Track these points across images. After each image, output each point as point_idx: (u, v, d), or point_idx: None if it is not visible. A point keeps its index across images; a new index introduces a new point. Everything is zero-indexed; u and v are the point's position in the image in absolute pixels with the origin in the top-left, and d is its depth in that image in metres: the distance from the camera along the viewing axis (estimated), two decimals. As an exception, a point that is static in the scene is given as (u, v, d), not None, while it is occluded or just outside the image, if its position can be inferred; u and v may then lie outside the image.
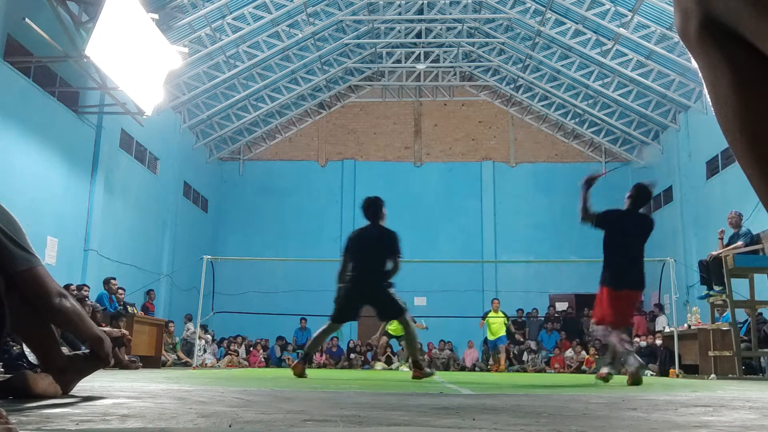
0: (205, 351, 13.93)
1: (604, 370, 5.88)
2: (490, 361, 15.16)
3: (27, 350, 5.78)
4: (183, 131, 17.10)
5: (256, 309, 14.20)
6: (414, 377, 6.04)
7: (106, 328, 2.97)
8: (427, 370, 6.27)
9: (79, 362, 2.51)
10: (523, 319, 16.46)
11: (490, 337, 14.96)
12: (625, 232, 5.70)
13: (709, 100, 0.69)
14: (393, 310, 6.24)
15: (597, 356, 14.33)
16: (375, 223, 6.31)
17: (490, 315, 14.93)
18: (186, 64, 14.19)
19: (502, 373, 12.64)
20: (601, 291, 5.75)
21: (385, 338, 14.41)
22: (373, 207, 6.33)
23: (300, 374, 5.97)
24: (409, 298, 14.77)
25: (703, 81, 0.69)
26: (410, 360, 6.44)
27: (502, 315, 14.96)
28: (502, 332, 14.96)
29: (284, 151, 20.47)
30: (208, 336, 14.76)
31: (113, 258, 13.23)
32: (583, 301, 17.78)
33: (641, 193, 5.86)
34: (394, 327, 13.97)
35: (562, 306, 18.42)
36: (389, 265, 6.19)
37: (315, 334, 6.51)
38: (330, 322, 6.34)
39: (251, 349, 16.22)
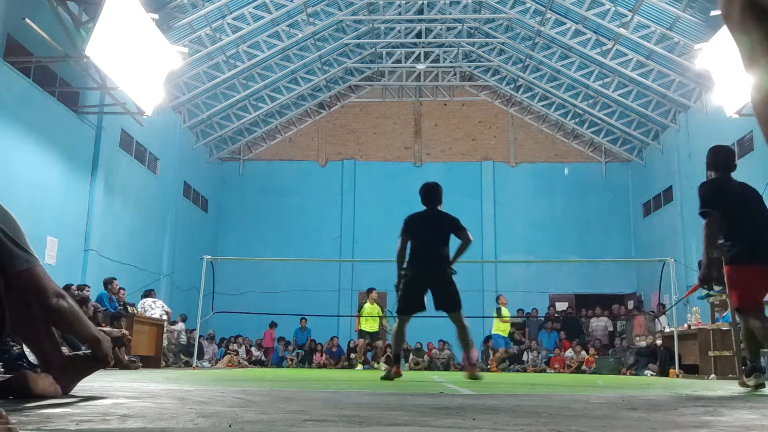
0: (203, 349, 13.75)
1: (751, 382, 4.47)
2: (491, 360, 15.12)
3: (27, 350, 5.78)
4: (183, 131, 17.09)
5: (256, 309, 14.18)
6: (470, 376, 5.68)
7: (106, 328, 2.96)
8: (477, 372, 5.81)
9: (79, 362, 2.50)
10: (523, 319, 16.44)
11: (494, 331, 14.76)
12: (740, 202, 4.58)
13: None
14: (452, 302, 5.86)
15: (597, 356, 14.29)
16: (433, 208, 6.15)
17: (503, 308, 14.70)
18: (186, 64, 14.19)
19: (502, 373, 12.61)
20: (736, 270, 4.48)
21: (362, 340, 14.04)
22: (432, 192, 6.17)
23: (396, 376, 5.72)
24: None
25: (742, 61, 0.85)
26: (465, 355, 6.04)
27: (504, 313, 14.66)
28: (504, 328, 14.60)
29: (284, 151, 20.47)
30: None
31: (113, 258, 13.23)
32: (583, 301, 17.80)
33: (715, 155, 4.77)
34: (370, 325, 13.70)
35: (562, 306, 18.42)
36: (448, 249, 5.93)
37: (393, 335, 6.17)
38: (399, 316, 6.06)
39: (251, 348, 16.24)
